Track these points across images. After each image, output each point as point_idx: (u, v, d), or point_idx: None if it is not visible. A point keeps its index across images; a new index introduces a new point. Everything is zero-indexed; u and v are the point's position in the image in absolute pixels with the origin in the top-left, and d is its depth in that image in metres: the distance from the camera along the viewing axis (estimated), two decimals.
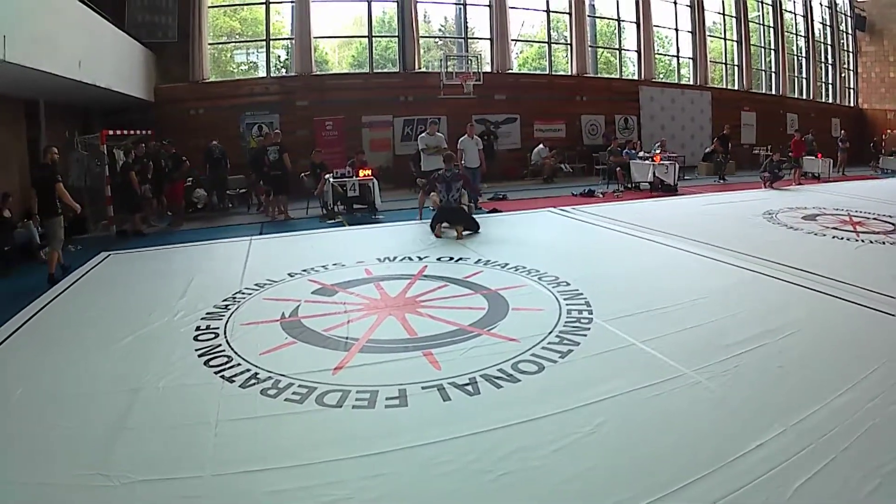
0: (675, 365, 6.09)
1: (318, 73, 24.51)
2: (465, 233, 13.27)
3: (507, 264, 10.58)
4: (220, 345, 7.35)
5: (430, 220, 14.05)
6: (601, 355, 6.61)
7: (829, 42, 37.31)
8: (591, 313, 7.85)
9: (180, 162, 17.51)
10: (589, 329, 7.33)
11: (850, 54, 37.88)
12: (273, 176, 17.43)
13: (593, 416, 5.20)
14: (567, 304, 8.19)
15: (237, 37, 25.73)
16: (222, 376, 6.41)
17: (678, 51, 31.28)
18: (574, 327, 7.40)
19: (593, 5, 29.23)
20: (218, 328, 7.93)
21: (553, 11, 28.15)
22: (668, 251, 11.58)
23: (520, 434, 5.00)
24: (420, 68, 25.27)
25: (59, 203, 11.56)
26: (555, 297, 8.61)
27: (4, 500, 4.37)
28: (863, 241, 12.05)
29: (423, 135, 16.74)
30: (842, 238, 12.30)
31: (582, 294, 8.62)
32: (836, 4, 37.40)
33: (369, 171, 17.91)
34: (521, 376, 6.10)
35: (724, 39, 32.55)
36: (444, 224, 13.60)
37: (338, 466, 4.64)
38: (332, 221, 16.63)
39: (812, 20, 35.96)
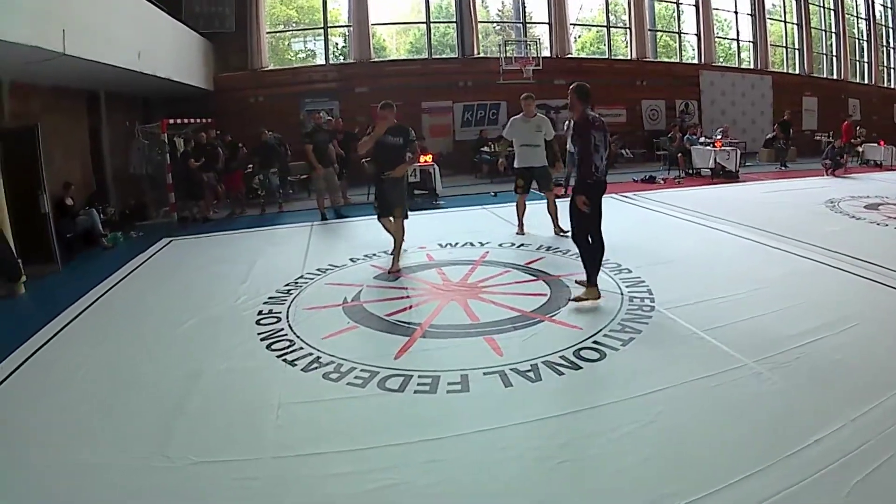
0: (736, 355, 6.02)
1: (376, 59, 24.56)
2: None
3: (568, 251, 10.46)
4: (282, 329, 7.46)
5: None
6: (662, 344, 6.57)
7: (891, 25, 36.47)
8: (653, 301, 7.80)
9: (236, 149, 17.63)
10: (651, 317, 7.30)
11: None
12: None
13: (653, 405, 5.19)
14: (629, 292, 8.14)
15: (294, 25, 25.87)
16: (284, 360, 6.51)
17: (738, 34, 30.79)
18: (636, 315, 7.36)
19: None
20: (280, 312, 8.04)
21: None
22: (728, 239, 11.46)
23: (581, 422, 5.01)
24: (479, 54, 25.17)
25: (313, 161, 14.89)
26: (617, 284, 8.55)
27: (65, 480, 4.48)
28: None
29: (515, 118, 12.31)
30: None
31: (644, 281, 8.57)
32: None
33: (430, 157, 17.94)
34: (583, 363, 6.09)
35: (785, 22, 31.93)
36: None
37: (399, 451, 4.68)
38: None
39: (873, 2, 35.06)
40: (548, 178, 12.03)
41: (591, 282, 7.79)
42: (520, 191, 12.14)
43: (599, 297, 7.76)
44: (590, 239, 7.94)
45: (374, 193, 10.65)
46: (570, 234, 8.40)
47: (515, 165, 12.20)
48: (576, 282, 8.48)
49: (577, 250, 8.38)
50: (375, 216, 9.95)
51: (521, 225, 12.39)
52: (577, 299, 7.70)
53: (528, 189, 12.14)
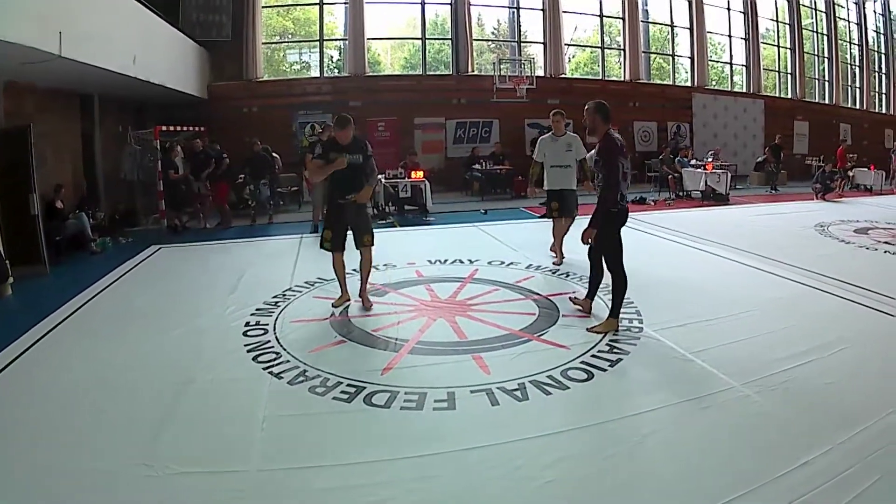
0: (724, 378, 6.03)
1: (370, 73, 24.63)
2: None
3: (557, 270, 10.64)
4: (269, 341, 7.43)
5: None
6: (650, 365, 6.59)
7: (882, 51, 36.74)
8: (642, 322, 7.81)
9: (222, 159, 17.16)
10: (639, 338, 7.30)
11: None
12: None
13: (640, 426, 5.19)
14: None
15: (290, 37, 25.94)
16: (271, 372, 6.48)
17: (731, 57, 31.05)
18: (624, 336, 7.36)
19: (646, 10, 29.12)
20: (268, 324, 8.02)
21: (606, 16, 28.05)
22: (718, 261, 11.52)
23: (567, 442, 4.98)
24: (473, 71, 25.25)
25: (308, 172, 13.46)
26: (606, 304, 8.45)
27: (48, 486, 4.44)
28: None
29: (544, 137, 11.91)
30: (894, 253, 12.07)
31: (632, 302, 8.49)
32: (890, 13, 36.79)
33: (421, 173, 18.03)
34: (570, 384, 6.07)
35: (778, 47, 32.23)
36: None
37: (383, 467, 4.66)
38: (384, 222, 16.69)
39: (866, 28, 35.41)
40: (573, 205, 11.29)
41: (614, 313, 7.67)
42: (555, 214, 11.28)
43: (618, 328, 7.62)
44: (603, 263, 7.88)
45: (323, 222, 9.02)
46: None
47: (546, 188, 11.39)
48: (570, 299, 8.59)
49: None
50: (373, 228, 9.19)
51: (558, 252, 11.37)
52: (593, 330, 7.57)
53: (564, 212, 11.23)
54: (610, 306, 7.74)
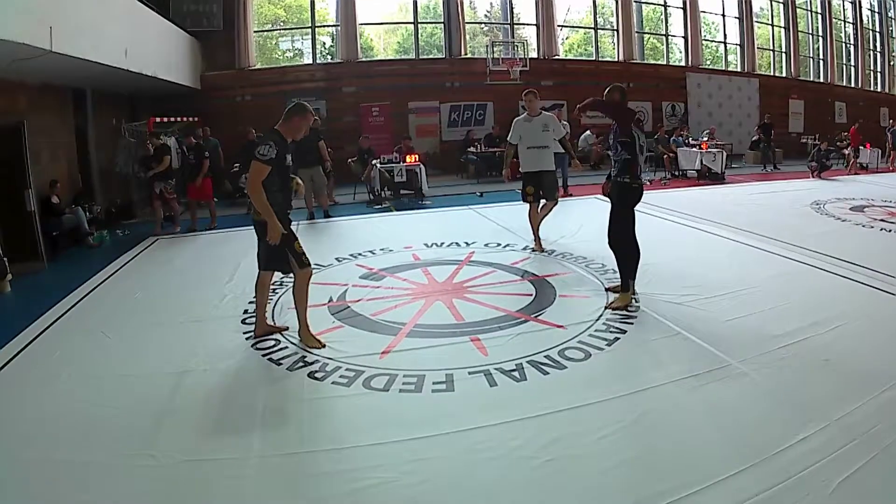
0: (721, 355, 6.04)
1: (363, 59, 24.58)
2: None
3: (553, 251, 10.62)
4: None
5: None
6: (647, 344, 6.59)
7: (877, 29, 36.57)
8: (638, 301, 7.80)
9: (203, 157, 15.55)
10: (636, 317, 7.31)
11: None
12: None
13: (639, 405, 5.20)
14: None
15: (282, 24, 25.87)
16: (270, 359, 6.51)
17: (725, 37, 30.87)
18: (621, 315, 7.37)
19: None
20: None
21: None
22: (714, 240, 11.55)
23: (565, 421, 5.00)
24: (466, 54, 25.21)
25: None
26: (601, 284, 8.59)
27: (51, 479, 4.45)
28: None
29: (518, 118, 11.39)
30: (889, 230, 12.04)
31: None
32: None
33: (416, 157, 18.03)
34: (568, 363, 6.09)
35: (772, 26, 32.03)
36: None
37: (383, 450, 4.68)
38: (380, 207, 16.83)
39: (860, 6, 35.11)
40: (554, 187, 10.99)
41: (626, 287, 7.80)
42: (530, 199, 10.76)
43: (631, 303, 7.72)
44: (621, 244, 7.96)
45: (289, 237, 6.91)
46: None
47: (522, 170, 10.94)
48: (606, 289, 8.40)
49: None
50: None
51: (537, 240, 10.91)
52: (611, 306, 7.65)
53: (539, 197, 10.78)
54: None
